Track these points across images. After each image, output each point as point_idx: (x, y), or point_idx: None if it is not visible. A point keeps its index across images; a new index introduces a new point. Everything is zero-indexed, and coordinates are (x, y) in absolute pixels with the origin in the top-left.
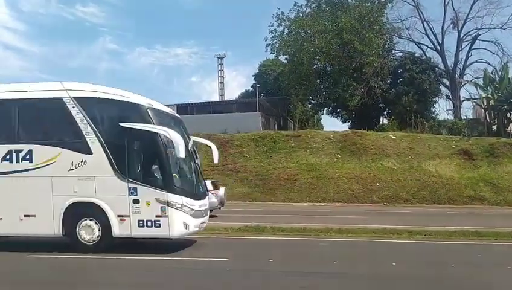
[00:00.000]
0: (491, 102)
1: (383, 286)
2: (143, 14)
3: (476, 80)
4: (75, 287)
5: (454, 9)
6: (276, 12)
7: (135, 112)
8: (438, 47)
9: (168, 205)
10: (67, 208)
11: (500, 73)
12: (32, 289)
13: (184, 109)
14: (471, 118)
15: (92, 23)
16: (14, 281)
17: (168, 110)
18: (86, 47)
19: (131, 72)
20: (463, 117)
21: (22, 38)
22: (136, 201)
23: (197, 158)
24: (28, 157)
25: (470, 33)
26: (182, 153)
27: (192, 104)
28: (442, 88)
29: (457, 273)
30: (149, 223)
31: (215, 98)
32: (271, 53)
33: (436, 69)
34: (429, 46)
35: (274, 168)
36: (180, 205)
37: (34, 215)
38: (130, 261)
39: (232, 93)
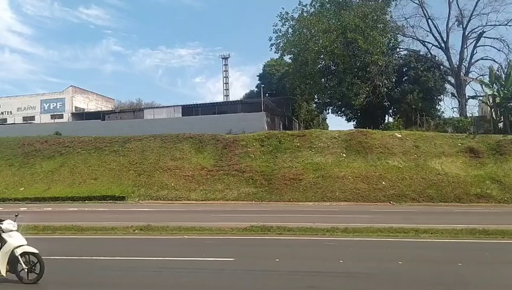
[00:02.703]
0: (497, 99)
1: (390, 285)
2: (146, 16)
3: (481, 77)
4: (81, 288)
5: (458, 7)
6: (281, 12)
7: None
8: (443, 45)
9: None
10: None
11: (505, 70)
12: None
13: (189, 109)
14: (477, 115)
15: (96, 25)
16: (19, 282)
17: None
18: (91, 49)
19: (135, 73)
20: (469, 115)
21: (27, 41)
22: None
23: None
24: None
25: (475, 30)
26: None
27: (197, 104)
28: (448, 86)
29: (465, 272)
30: None
31: (219, 98)
32: (275, 52)
33: (441, 67)
34: (434, 44)
35: (279, 167)
36: None
37: None
38: (138, 262)
39: (236, 93)
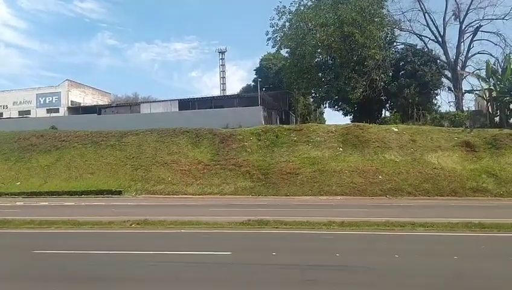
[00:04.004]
0: (494, 93)
1: (387, 278)
2: (142, 9)
3: (478, 71)
4: (78, 282)
5: (455, 1)
6: (277, 6)
7: None
8: (440, 39)
9: None
10: None
11: (502, 64)
12: (36, 284)
13: (186, 103)
14: (473, 109)
15: (91, 19)
16: (19, 276)
17: None
18: (86, 43)
19: (131, 67)
20: (465, 109)
21: (22, 35)
22: None
23: None
24: None
25: (472, 24)
26: None
27: (193, 98)
28: (444, 80)
29: (461, 265)
30: None
31: (215, 92)
32: (272, 47)
33: (438, 61)
34: (431, 38)
35: (276, 162)
36: None
37: None
38: (135, 256)
39: (233, 87)
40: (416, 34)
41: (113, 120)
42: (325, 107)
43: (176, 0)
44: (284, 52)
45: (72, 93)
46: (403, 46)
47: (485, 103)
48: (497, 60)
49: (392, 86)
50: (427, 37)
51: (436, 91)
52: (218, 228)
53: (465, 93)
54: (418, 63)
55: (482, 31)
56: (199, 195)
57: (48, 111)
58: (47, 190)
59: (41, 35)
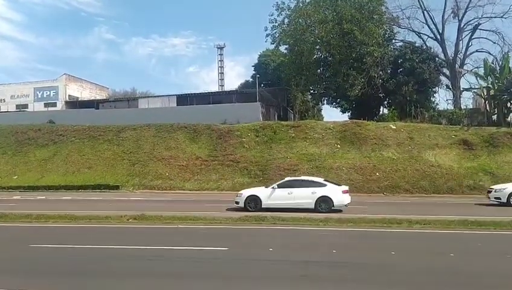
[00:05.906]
0: (491, 92)
1: (382, 275)
2: (138, 4)
3: (476, 69)
4: (75, 277)
5: None
6: (277, 2)
7: None
8: (438, 36)
9: None
10: None
11: (500, 62)
12: (33, 278)
13: (184, 99)
14: (471, 107)
15: (88, 12)
16: (16, 270)
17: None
18: (83, 37)
19: (128, 62)
20: (463, 107)
21: (18, 28)
22: None
23: None
24: None
25: (471, 22)
26: None
27: (192, 94)
28: (442, 78)
29: (456, 262)
30: None
31: (212, 88)
32: (271, 43)
33: (437, 58)
34: (429, 35)
35: (274, 158)
36: None
37: None
38: (132, 251)
39: (230, 83)
40: (415, 32)
41: (110, 115)
42: (323, 104)
43: None
44: (282, 48)
45: (70, 87)
46: (401, 43)
47: (483, 101)
48: (496, 58)
49: (391, 83)
50: (425, 34)
51: (434, 89)
52: (215, 223)
53: (463, 91)
54: (417, 60)
55: (480, 29)
56: (197, 190)
57: (46, 105)
58: (44, 184)
59: (38, 28)
